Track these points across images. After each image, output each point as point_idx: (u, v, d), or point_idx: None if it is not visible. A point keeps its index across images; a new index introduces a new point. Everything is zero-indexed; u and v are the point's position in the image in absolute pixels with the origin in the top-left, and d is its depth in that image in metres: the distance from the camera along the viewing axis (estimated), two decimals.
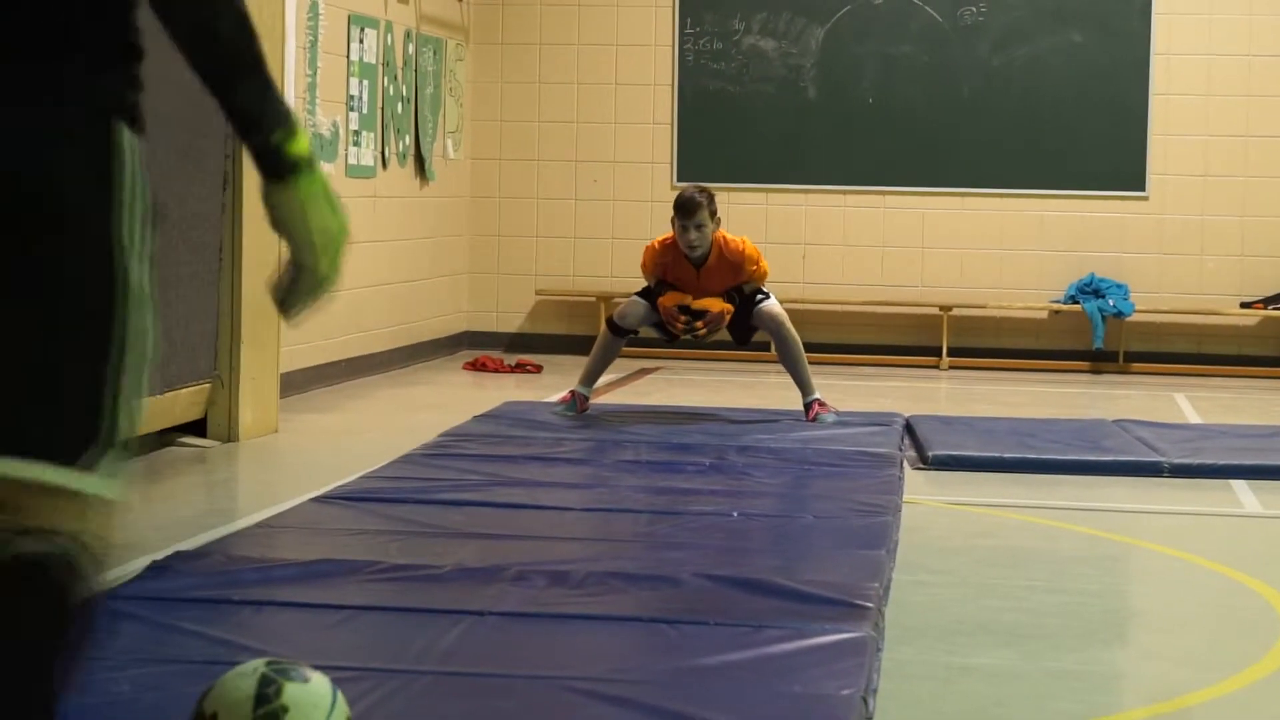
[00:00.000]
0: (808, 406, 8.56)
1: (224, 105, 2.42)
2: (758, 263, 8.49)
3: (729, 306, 8.47)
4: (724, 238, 8.44)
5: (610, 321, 8.73)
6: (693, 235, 8.32)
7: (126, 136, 2.44)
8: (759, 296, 8.55)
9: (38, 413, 2.32)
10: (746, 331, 8.71)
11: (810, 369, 8.66)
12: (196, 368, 7.70)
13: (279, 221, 2.44)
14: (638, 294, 8.64)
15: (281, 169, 2.42)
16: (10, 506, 2.30)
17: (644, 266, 8.62)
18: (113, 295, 2.35)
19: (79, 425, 2.33)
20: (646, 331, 8.85)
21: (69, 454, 2.31)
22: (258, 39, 2.39)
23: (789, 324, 8.57)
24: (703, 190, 8.43)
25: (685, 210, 8.32)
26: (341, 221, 2.47)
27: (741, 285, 8.50)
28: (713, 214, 8.35)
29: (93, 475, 2.32)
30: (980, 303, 12.52)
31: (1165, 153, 12.40)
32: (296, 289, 2.48)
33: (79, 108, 2.39)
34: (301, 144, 2.43)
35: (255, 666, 3.09)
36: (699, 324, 8.45)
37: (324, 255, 2.45)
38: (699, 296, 8.49)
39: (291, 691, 3.05)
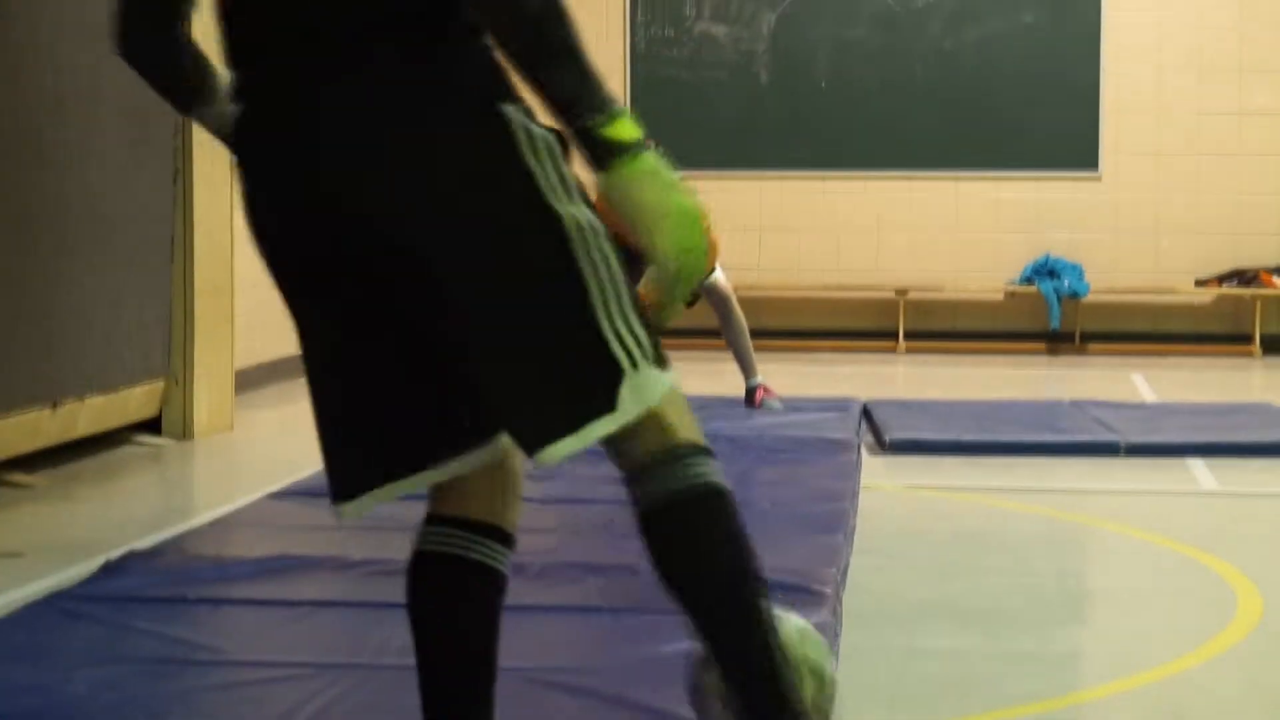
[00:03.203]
0: (751, 392, 8.54)
1: (539, 93, 2.36)
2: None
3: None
4: None
5: None
6: None
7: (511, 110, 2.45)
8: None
9: (563, 385, 2.42)
10: (692, 298, 8.66)
11: (766, 354, 8.66)
12: (150, 365, 7.66)
13: (618, 212, 2.37)
14: None
15: (602, 156, 2.34)
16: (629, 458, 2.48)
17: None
18: (563, 240, 2.41)
19: (602, 373, 2.41)
20: None
21: (606, 402, 2.41)
22: (568, 22, 2.33)
23: (734, 301, 8.56)
24: (653, 143, 8.38)
25: None
26: (682, 202, 2.38)
27: None
28: None
29: (635, 401, 2.42)
30: (936, 285, 12.54)
31: (1117, 132, 12.44)
32: (663, 285, 2.40)
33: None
34: (621, 129, 2.35)
35: None
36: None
37: (663, 239, 2.37)
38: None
39: None
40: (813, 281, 12.65)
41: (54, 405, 6.85)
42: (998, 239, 12.59)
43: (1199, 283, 12.42)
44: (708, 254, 2.42)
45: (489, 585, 2.82)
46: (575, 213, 2.44)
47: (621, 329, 2.44)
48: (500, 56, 2.43)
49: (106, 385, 7.28)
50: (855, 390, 9.41)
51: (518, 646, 4.13)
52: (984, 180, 12.58)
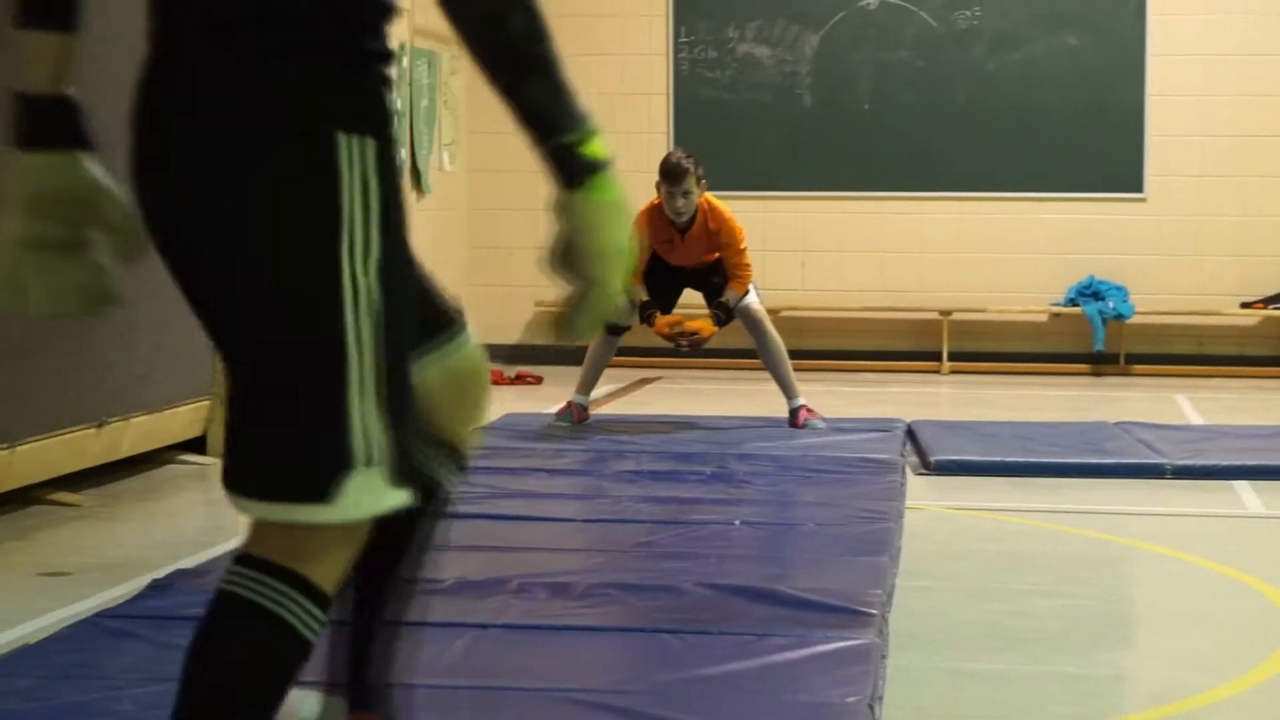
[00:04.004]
0: (794, 413, 8.53)
1: (514, 108, 2.31)
2: (740, 246, 8.41)
3: (715, 329, 8.49)
4: (709, 203, 8.43)
5: None
6: (679, 202, 8.30)
7: (344, 141, 2.28)
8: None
9: (283, 450, 2.27)
10: (727, 317, 8.62)
11: (810, 375, 8.65)
12: (195, 384, 7.69)
13: (571, 231, 2.33)
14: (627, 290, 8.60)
15: (574, 174, 2.31)
16: (273, 547, 2.27)
17: None
18: (337, 303, 2.25)
19: (328, 458, 2.25)
20: (640, 331, 8.86)
21: (320, 487, 2.24)
22: (548, 38, 2.29)
23: (769, 324, 8.56)
24: (690, 155, 8.40)
25: (672, 177, 8.30)
26: (627, 235, 2.34)
27: (725, 299, 8.45)
28: (699, 180, 8.33)
29: (344, 503, 2.24)
30: (980, 307, 12.51)
31: (1162, 154, 12.39)
32: (585, 306, 2.33)
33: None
34: (597, 148, 2.31)
35: None
36: (684, 341, 8.46)
37: (614, 269, 2.32)
38: (678, 264, 8.48)
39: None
40: (856, 303, 12.63)
41: (99, 425, 6.88)
42: (1041, 260, 12.55)
43: (1244, 305, 12.36)
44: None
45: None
46: (365, 284, 2.28)
47: (370, 422, 2.27)
48: (382, 87, 2.34)
49: (151, 405, 7.31)
50: (899, 411, 9.39)
51: (561, 667, 4.14)
52: (1028, 201, 12.55)
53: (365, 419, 2.26)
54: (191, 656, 2.29)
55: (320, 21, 2.29)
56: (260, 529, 2.33)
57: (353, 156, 2.27)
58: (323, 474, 2.26)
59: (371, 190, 2.29)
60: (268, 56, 2.26)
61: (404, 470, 2.30)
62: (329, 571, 2.31)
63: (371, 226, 2.30)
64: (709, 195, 8.48)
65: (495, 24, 2.26)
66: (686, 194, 8.28)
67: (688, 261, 8.51)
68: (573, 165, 2.32)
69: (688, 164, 8.28)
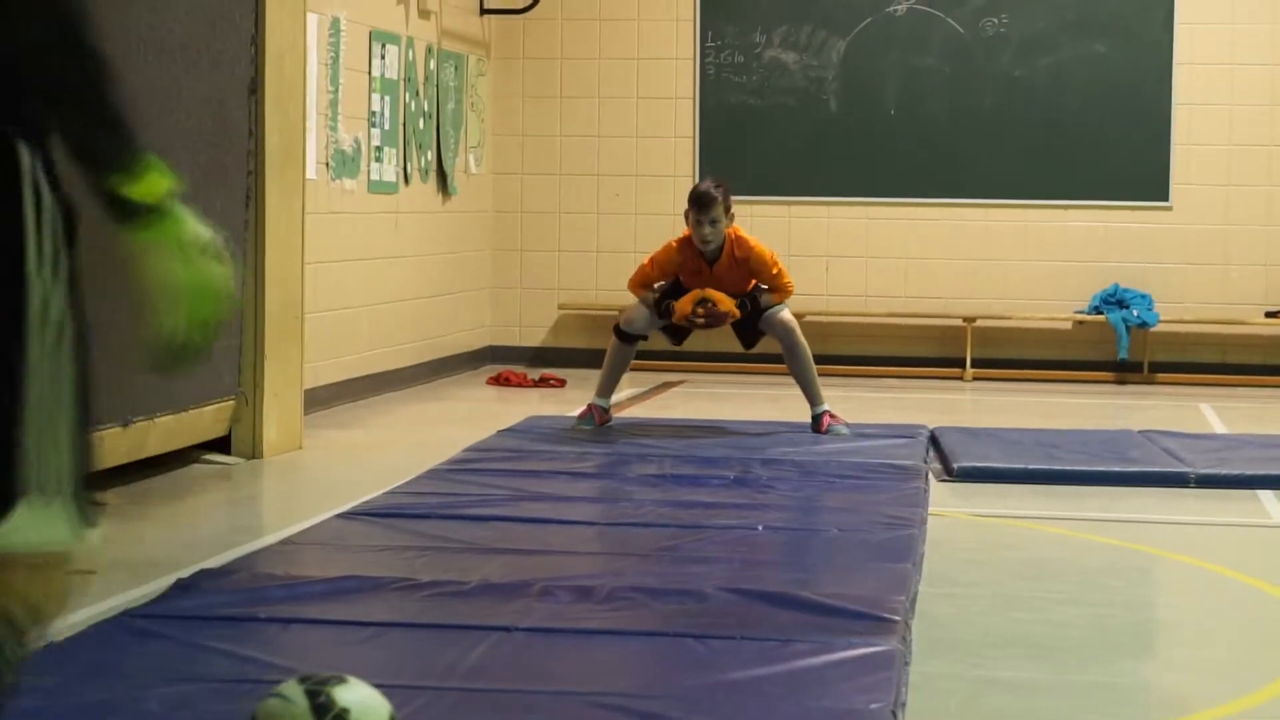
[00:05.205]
0: (818, 418, 8.54)
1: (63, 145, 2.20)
2: (775, 267, 8.46)
3: (737, 312, 8.46)
4: (736, 234, 8.44)
5: (618, 329, 8.72)
6: (706, 230, 8.32)
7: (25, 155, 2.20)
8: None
9: None
10: (754, 335, 8.68)
11: (833, 380, 8.65)
12: (220, 384, 7.71)
13: (133, 276, 2.22)
14: (641, 300, 8.62)
15: (116, 215, 2.22)
16: None
17: (654, 265, 8.56)
18: (19, 315, 2.15)
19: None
20: (656, 338, 8.87)
21: None
22: (101, 64, 2.18)
23: (800, 333, 8.56)
24: (719, 185, 8.43)
25: (701, 204, 8.32)
26: (197, 281, 2.21)
27: (758, 296, 8.48)
28: (727, 209, 8.35)
29: (20, 532, 2.15)
30: (1004, 314, 12.50)
31: (1189, 162, 12.37)
32: (153, 346, 2.25)
33: None
34: (149, 186, 2.22)
35: (290, 688, 3.08)
36: (700, 310, 8.41)
37: (175, 318, 2.22)
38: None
39: (342, 694, 3.04)
40: (880, 309, 12.63)
41: (125, 424, 6.90)
42: (1066, 268, 12.54)
43: (1269, 314, 12.33)
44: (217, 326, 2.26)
45: None
46: (51, 298, 2.19)
47: (45, 450, 2.18)
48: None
49: (177, 404, 7.33)
50: (922, 417, 9.38)
51: (584, 670, 4.14)
52: (1053, 209, 12.53)
53: (41, 448, 2.18)
54: None
55: None
56: None
57: (27, 166, 2.21)
58: None
59: (44, 200, 2.23)
60: None
61: None
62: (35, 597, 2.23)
63: (56, 239, 2.24)
64: (736, 226, 8.50)
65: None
66: (714, 222, 8.31)
67: (725, 291, 8.49)
68: (115, 206, 2.23)
69: (716, 192, 8.32)
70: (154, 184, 2.21)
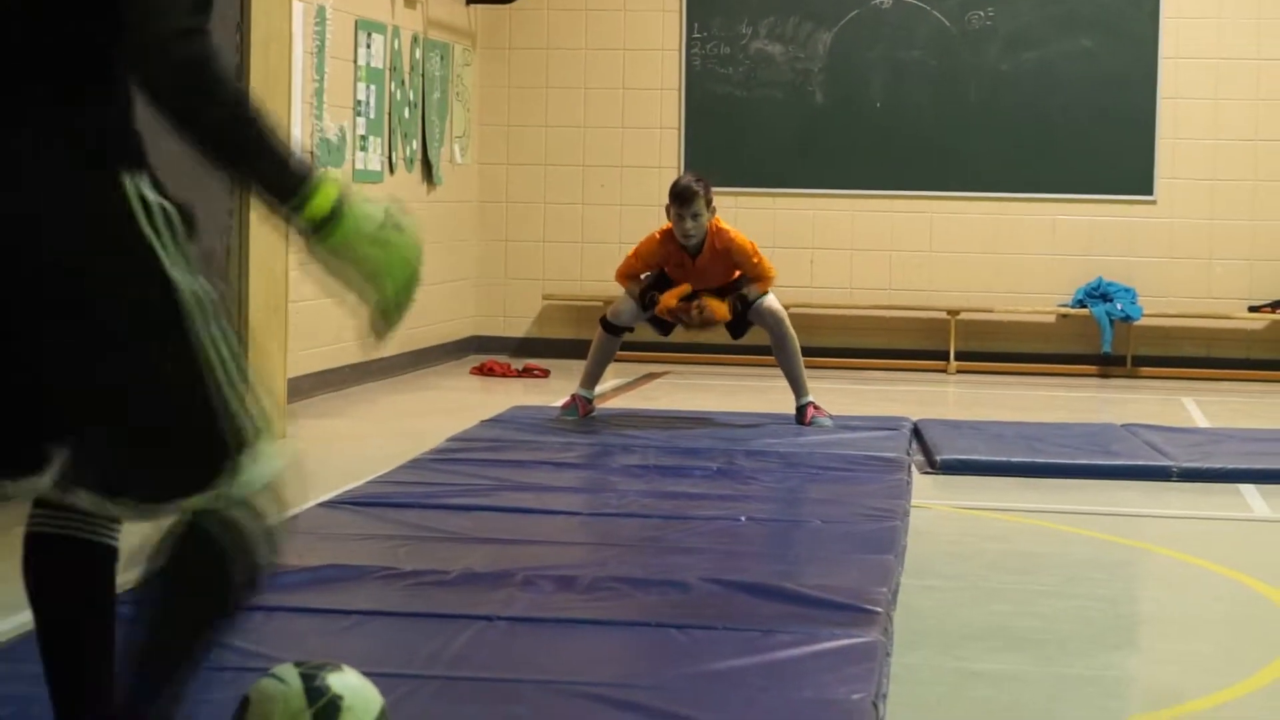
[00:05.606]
0: (802, 410, 8.54)
1: (241, 186, 2.56)
2: (755, 257, 8.46)
3: (729, 316, 8.47)
4: (717, 225, 8.45)
5: (604, 321, 8.73)
6: (689, 225, 8.33)
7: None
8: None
9: (159, 453, 2.54)
10: (742, 326, 8.70)
11: (818, 373, 8.65)
12: None
13: (335, 278, 2.56)
14: (627, 293, 8.63)
15: (303, 236, 2.52)
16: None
17: (638, 257, 8.57)
18: (180, 311, 2.50)
19: (205, 450, 2.54)
20: (642, 329, 8.88)
21: (204, 481, 2.51)
22: (254, 124, 2.46)
23: (789, 323, 8.56)
24: (700, 180, 8.44)
25: (682, 199, 8.33)
26: (389, 254, 2.57)
27: (745, 292, 8.48)
28: (708, 203, 8.35)
29: (235, 483, 2.55)
30: (988, 307, 12.51)
31: (1173, 157, 12.39)
32: (374, 320, 2.60)
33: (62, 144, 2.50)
34: (316, 207, 2.50)
35: (285, 670, 3.08)
36: (693, 311, 8.42)
37: (382, 290, 2.58)
38: (698, 287, 8.49)
39: (337, 680, 3.04)
40: (865, 301, 12.63)
41: None
42: (1050, 261, 12.55)
43: (1252, 309, 12.35)
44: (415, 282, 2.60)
45: (109, 560, 2.88)
46: (195, 286, 2.54)
47: (239, 404, 2.56)
48: (133, 120, 2.56)
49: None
50: (906, 410, 9.39)
51: (566, 659, 4.14)
52: (1038, 202, 12.54)
53: (237, 403, 2.60)
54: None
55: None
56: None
57: (129, 187, 2.59)
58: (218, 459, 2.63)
59: (153, 206, 2.62)
60: (48, 105, 2.54)
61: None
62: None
63: (176, 237, 2.65)
64: (718, 218, 8.50)
65: (191, 125, 2.47)
66: (696, 216, 8.31)
67: (709, 284, 8.51)
68: (301, 230, 2.53)
69: (697, 187, 8.33)
70: (326, 197, 2.51)
